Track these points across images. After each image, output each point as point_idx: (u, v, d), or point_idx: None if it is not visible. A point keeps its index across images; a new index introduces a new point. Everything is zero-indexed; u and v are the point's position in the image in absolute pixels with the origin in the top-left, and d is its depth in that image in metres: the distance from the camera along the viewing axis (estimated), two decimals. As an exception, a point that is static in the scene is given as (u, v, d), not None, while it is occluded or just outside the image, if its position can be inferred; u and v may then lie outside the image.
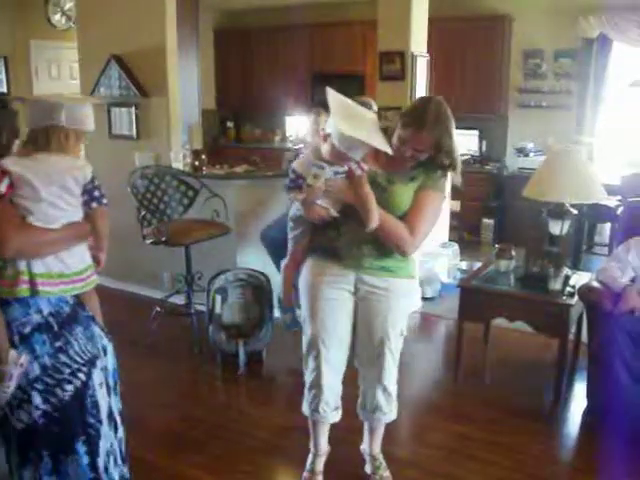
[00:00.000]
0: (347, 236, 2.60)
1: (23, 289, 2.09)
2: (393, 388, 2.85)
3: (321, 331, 2.72)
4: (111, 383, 2.36)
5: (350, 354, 2.84)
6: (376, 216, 2.46)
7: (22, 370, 2.12)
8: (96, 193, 2.18)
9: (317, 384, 2.79)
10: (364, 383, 2.87)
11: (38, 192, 2.06)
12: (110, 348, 2.39)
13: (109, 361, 2.37)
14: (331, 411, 2.86)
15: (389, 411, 2.87)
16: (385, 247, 2.61)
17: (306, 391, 2.88)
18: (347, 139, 2.37)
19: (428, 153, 2.52)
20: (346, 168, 2.45)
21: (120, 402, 2.46)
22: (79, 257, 2.21)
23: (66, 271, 2.16)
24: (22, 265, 2.08)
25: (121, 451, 2.40)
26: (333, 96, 2.45)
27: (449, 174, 2.66)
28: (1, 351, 2.10)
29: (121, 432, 2.40)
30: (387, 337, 2.72)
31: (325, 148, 2.49)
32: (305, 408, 2.91)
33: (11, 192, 2.05)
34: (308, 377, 2.84)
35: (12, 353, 2.10)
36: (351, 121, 2.41)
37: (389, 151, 2.45)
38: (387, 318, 2.69)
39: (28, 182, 2.05)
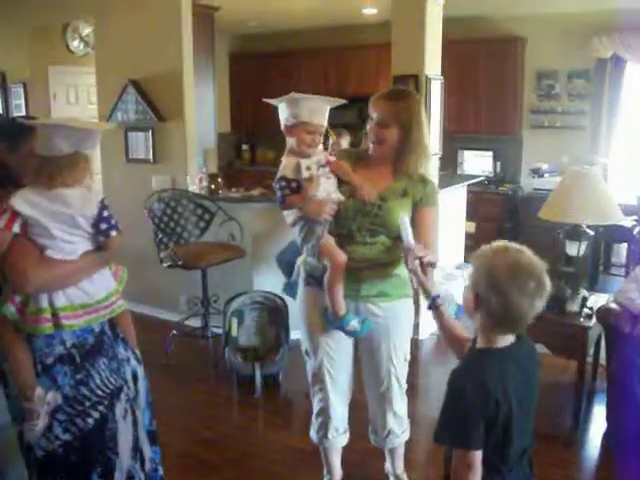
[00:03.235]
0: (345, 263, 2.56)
1: (46, 327, 2.06)
2: (403, 411, 2.85)
3: (325, 362, 2.73)
4: (138, 414, 2.32)
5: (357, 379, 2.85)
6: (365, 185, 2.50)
7: (49, 408, 2.11)
8: (103, 226, 2.12)
9: (325, 412, 2.80)
10: (373, 411, 2.87)
11: (49, 231, 2.04)
12: (140, 371, 2.38)
13: (140, 385, 2.36)
14: (339, 435, 2.87)
15: (401, 433, 2.87)
16: (381, 272, 2.60)
17: (313, 418, 2.89)
18: (298, 104, 2.48)
19: (394, 133, 2.52)
20: (322, 158, 2.53)
21: (154, 424, 2.45)
22: (101, 285, 2.19)
23: (88, 300, 2.13)
24: (44, 302, 2.06)
25: None
26: (273, 101, 2.58)
27: (437, 187, 2.71)
28: (28, 389, 2.09)
29: (149, 465, 2.37)
30: (392, 366, 2.72)
31: (292, 142, 2.53)
32: (313, 435, 2.91)
33: (26, 230, 2.04)
34: (316, 405, 2.84)
35: (39, 391, 2.09)
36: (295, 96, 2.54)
37: (342, 101, 2.58)
38: (389, 347, 2.69)
39: (38, 223, 2.03)
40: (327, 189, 2.51)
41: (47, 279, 2.05)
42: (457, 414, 1.76)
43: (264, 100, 2.63)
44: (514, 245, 1.80)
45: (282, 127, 2.57)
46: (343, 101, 2.62)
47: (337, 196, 2.53)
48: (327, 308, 2.61)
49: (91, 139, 2.13)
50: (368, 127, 2.59)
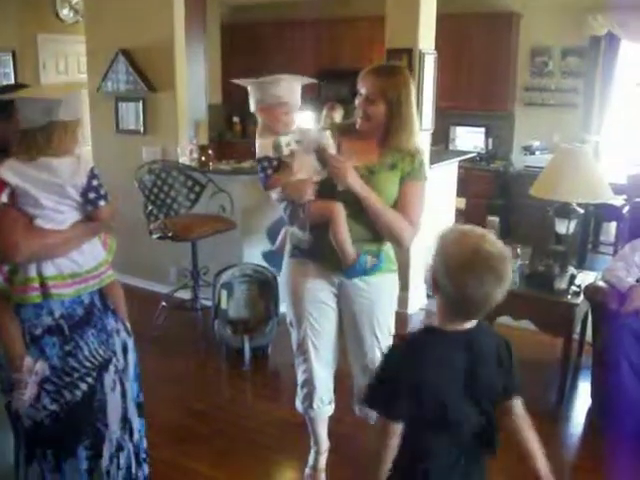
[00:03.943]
0: (327, 237, 2.54)
1: (33, 296, 2.07)
2: None
3: (309, 333, 2.73)
4: (127, 386, 2.33)
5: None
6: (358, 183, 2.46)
7: (38, 378, 2.11)
8: (91, 195, 2.10)
9: (310, 382, 2.81)
10: (357, 382, 2.87)
11: (38, 201, 2.03)
12: (130, 343, 2.39)
13: (129, 357, 2.36)
14: (325, 405, 2.87)
15: None
16: (364, 247, 2.59)
17: (298, 389, 2.89)
18: (263, 86, 2.47)
19: (381, 109, 2.49)
20: (297, 136, 2.49)
21: (141, 396, 2.47)
22: (90, 255, 2.18)
23: (78, 270, 2.13)
24: (32, 270, 2.06)
25: (137, 455, 2.40)
26: (240, 80, 2.55)
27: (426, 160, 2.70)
28: (16, 358, 2.09)
29: (137, 435, 2.39)
30: (376, 340, 2.73)
31: (267, 122, 2.52)
32: (298, 405, 2.92)
33: (13, 201, 2.03)
34: (300, 376, 2.85)
35: (27, 360, 2.09)
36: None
37: (312, 80, 2.58)
38: (373, 321, 2.69)
39: (27, 193, 2.02)
40: (310, 165, 2.49)
41: (38, 249, 2.05)
42: (386, 383, 1.75)
43: (234, 81, 2.61)
44: (476, 231, 1.70)
45: (254, 108, 2.54)
46: (313, 80, 2.64)
47: (319, 174, 2.52)
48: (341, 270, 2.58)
49: (68, 106, 2.08)
50: (357, 102, 2.58)
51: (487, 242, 1.66)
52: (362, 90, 2.53)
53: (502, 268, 1.64)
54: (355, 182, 2.44)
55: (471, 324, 1.75)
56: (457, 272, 1.64)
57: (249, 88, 2.53)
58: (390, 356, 1.82)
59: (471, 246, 1.65)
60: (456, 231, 1.73)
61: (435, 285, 1.73)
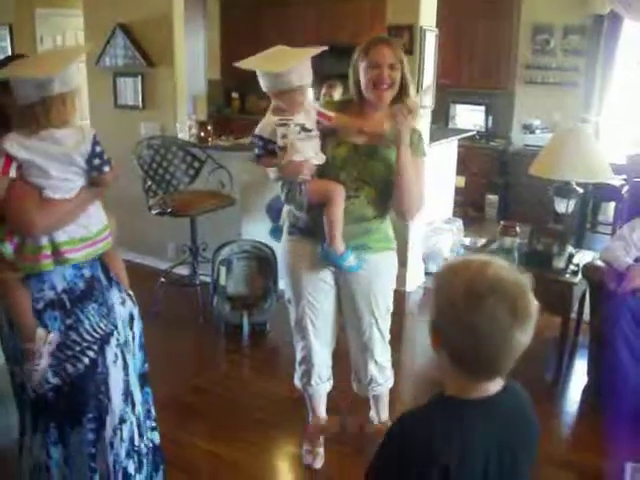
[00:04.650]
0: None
1: (46, 263, 2.08)
2: (386, 360, 2.88)
3: (307, 311, 2.75)
4: (129, 359, 2.34)
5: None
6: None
7: (51, 348, 2.12)
8: (96, 162, 2.11)
9: (308, 360, 2.83)
10: (356, 359, 2.89)
11: (47, 172, 2.03)
12: (136, 312, 2.40)
13: (136, 326, 2.39)
14: (323, 382, 2.90)
15: (384, 381, 2.90)
16: (364, 225, 2.60)
17: (297, 365, 2.92)
18: (273, 74, 2.41)
19: (399, 76, 2.52)
20: (304, 122, 2.47)
21: (146, 366, 2.50)
22: (96, 218, 2.20)
23: (87, 234, 2.15)
24: (44, 239, 2.06)
25: (139, 426, 2.40)
26: (245, 62, 2.46)
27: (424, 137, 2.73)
28: (28, 329, 2.10)
29: (139, 408, 2.40)
30: (374, 318, 2.74)
31: (275, 104, 2.50)
32: (297, 381, 2.95)
33: (21, 174, 2.03)
34: (299, 353, 2.87)
35: (39, 331, 2.10)
36: (268, 59, 2.46)
37: (320, 49, 2.49)
38: (371, 300, 2.70)
39: (35, 164, 2.02)
40: (307, 153, 2.48)
41: (51, 222, 2.06)
42: (389, 470, 1.32)
43: (237, 65, 2.49)
44: (479, 257, 1.34)
45: (266, 90, 2.49)
46: (322, 48, 2.54)
47: (318, 159, 2.52)
48: (323, 244, 2.57)
49: (63, 78, 2.04)
50: (367, 74, 2.50)
51: (493, 265, 1.29)
52: (379, 60, 2.48)
53: (516, 295, 1.27)
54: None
55: (497, 385, 1.36)
56: (461, 309, 1.25)
57: (257, 73, 2.47)
58: (395, 439, 1.34)
59: (474, 271, 1.28)
60: (454, 262, 1.38)
61: (437, 337, 1.34)
